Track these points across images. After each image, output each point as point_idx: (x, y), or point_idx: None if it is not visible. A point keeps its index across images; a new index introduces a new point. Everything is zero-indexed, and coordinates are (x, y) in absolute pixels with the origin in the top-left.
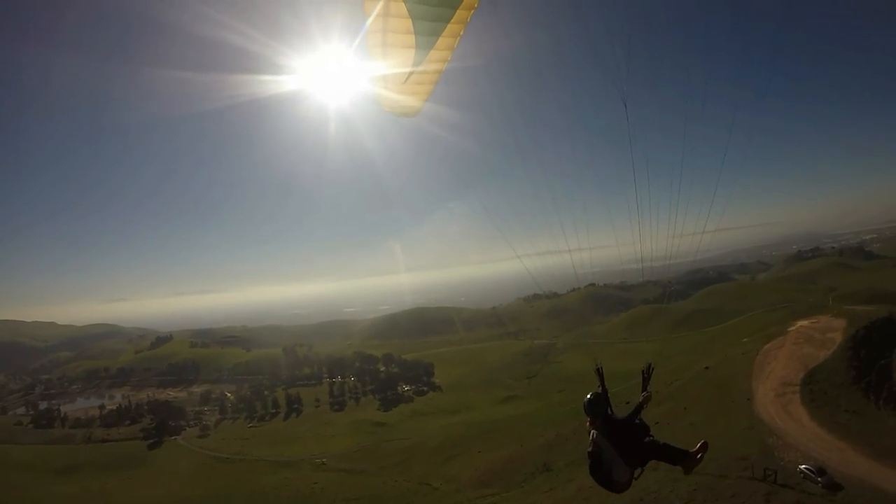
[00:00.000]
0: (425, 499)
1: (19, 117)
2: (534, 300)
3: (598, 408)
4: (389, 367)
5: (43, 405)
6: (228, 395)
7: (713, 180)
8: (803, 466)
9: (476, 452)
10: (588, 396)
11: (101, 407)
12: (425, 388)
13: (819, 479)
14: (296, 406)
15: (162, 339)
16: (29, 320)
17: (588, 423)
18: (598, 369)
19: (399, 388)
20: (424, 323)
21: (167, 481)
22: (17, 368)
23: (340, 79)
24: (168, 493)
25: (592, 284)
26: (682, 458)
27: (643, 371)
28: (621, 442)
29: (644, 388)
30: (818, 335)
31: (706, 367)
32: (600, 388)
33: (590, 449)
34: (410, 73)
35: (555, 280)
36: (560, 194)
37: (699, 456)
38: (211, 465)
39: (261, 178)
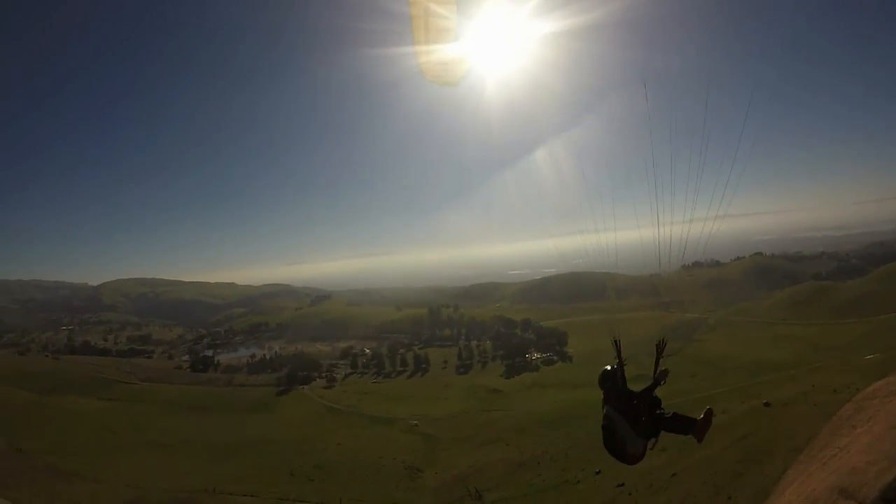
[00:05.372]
0: (378, 486)
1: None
2: (694, 269)
3: (612, 382)
4: (525, 334)
5: (206, 353)
6: (367, 350)
7: None
8: None
9: (504, 445)
10: (605, 369)
11: (252, 356)
12: (555, 358)
13: None
14: (423, 366)
15: (321, 298)
16: (212, 282)
17: (602, 396)
18: (615, 341)
19: (528, 355)
20: (576, 288)
21: (271, 424)
22: (196, 322)
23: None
24: (259, 434)
25: (759, 254)
26: (691, 427)
27: (657, 345)
28: (633, 416)
29: (656, 365)
30: None
31: (766, 404)
32: (616, 362)
33: (603, 423)
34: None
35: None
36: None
37: (707, 422)
38: (320, 413)
39: (433, 148)
